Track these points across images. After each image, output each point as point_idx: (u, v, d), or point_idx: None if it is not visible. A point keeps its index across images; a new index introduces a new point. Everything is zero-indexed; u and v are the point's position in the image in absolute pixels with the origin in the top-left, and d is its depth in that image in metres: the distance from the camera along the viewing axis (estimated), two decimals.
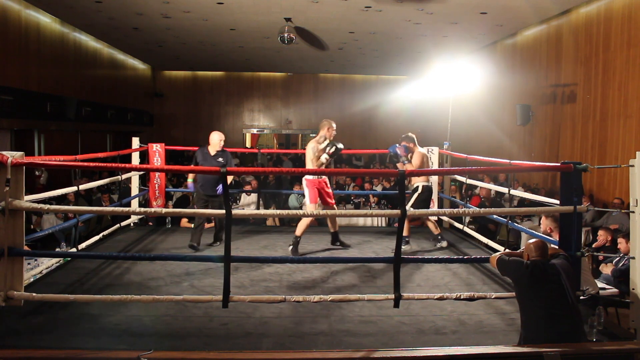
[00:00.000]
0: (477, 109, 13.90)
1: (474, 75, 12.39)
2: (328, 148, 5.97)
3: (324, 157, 5.95)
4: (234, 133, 20.46)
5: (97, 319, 3.96)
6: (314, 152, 6.00)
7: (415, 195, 6.21)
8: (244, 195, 9.67)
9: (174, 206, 9.33)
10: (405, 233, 6.24)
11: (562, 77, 10.54)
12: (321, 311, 4.21)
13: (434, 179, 7.71)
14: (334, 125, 6.18)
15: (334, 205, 6.41)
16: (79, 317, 3.99)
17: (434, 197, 7.67)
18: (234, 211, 3.70)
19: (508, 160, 5.92)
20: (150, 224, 7.96)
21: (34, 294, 3.58)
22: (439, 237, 6.47)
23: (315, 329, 3.90)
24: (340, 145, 6.07)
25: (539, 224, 8.14)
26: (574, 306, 3.12)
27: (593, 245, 6.37)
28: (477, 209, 7.41)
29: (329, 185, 6.30)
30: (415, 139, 6.44)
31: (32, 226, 8.33)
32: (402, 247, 6.06)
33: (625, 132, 8.62)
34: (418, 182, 6.26)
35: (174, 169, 4.41)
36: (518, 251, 3.56)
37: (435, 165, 7.66)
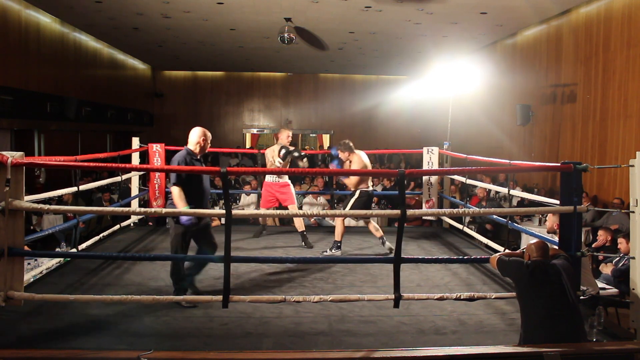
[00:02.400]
0: (477, 109, 13.90)
1: (474, 75, 12.38)
2: (280, 152, 6.37)
3: (278, 161, 6.34)
4: (234, 133, 20.45)
5: (97, 319, 3.96)
6: (270, 155, 6.47)
7: (352, 199, 6.15)
8: (243, 195, 9.68)
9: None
10: (337, 238, 6.16)
11: (562, 77, 10.53)
12: (321, 311, 4.21)
13: (434, 180, 7.72)
14: (288, 133, 6.56)
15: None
16: (79, 317, 3.99)
17: (434, 196, 7.68)
18: (234, 211, 3.70)
19: (508, 161, 5.91)
20: (150, 224, 7.96)
21: (34, 294, 3.58)
22: (382, 240, 6.27)
23: (315, 329, 3.90)
24: (291, 148, 6.40)
25: (539, 224, 8.18)
26: (575, 306, 3.13)
27: (593, 245, 6.37)
28: (477, 209, 7.41)
29: (284, 189, 6.60)
30: (351, 146, 6.28)
31: (32, 227, 8.33)
32: (332, 251, 6.11)
33: (625, 132, 8.62)
34: (357, 185, 6.18)
35: (174, 169, 4.38)
36: (518, 251, 3.56)
37: (435, 166, 7.66)
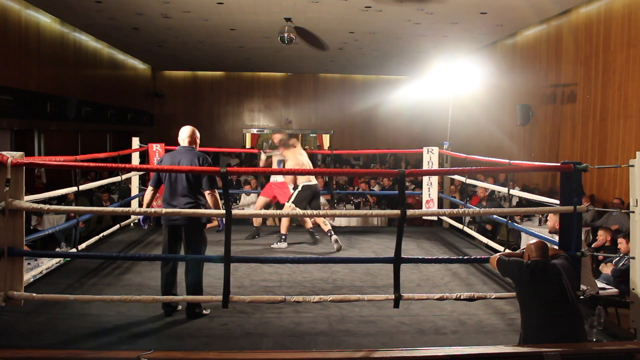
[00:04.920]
0: (477, 109, 13.89)
1: (474, 75, 12.37)
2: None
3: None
4: (234, 133, 20.45)
5: (97, 319, 3.96)
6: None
7: (295, 193, 6.39)
8: (244, 195, 9.68)
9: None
10: (283, 231, 6.41)
11: (562, 77, 10.53)
12: (321, 311, 4.21)
13: (434, 180, 7.71)
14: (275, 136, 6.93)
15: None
16: (79, 317, 3.99)
17: (433, 196, 7.68)
18: (234, 211, 3.70)
19: (508, 160, 5.91)
20: (151, 224, 7.96)
21: (34, 294, 3.58)
22: (330, 234, 6.38)
23: (315, 329, 3.90)
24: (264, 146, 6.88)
25: (539, 224, 8.18)
26: (574, 306, 3.12)
27: (593, 245, 6.37)
28: (477, 209, 7.41)
29: (283, 188, 6.91)
30: (289, 142, 6.62)
31: (32, 227, 8.33)
32: (278, 244, 6.29)
33: (625, 132, 8.62)
34: (299, 181, 6.44)
35: (174, 169, 4.37)
36: (518, 251, 3.56)
37: (435, 166, 7.65)
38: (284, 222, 6.45)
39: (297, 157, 6.50)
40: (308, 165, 6.58)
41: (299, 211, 6.10)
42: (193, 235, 4.14)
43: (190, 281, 4.11)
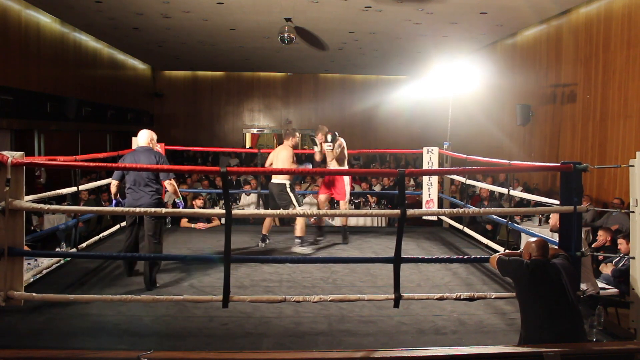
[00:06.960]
0: (477, 109, 13.89)
1: (474, 75, 12.36)
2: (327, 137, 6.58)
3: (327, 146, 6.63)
4: (234, 133, 20.45)
5: (97, 319, 3.97)
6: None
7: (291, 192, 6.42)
8: (243, 195, 9.68)
9: (173, 206, 9.32)
10: (264, 231, 6.46)
11: (562, 77, 10.53)
12: (321, 311, 4.21)
13: (434, 180, 7.70)
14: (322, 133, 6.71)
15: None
16: (79, 317, 4.00)
17: (433, 196, 7.68)
18: (234, 211, 3.70)
19: (508, 161, 5.91)
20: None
21: (34, 294, 3.58)
22: (300, 240, 6.26)
23: (315, 329, 3.90)
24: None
25: (540, 224, 8.18)
26: (574, 306, 3.12)
27: (592, 245, 6.37)
28: (477, 209, 7.40)
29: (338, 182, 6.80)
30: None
31: (32, 227, 8.32)
32: (262, 243, 6.35)
33: (625, 132, 8.62)
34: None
35: (174, 169, 4.39)
36: (518, 251, 3.56)
37: (435, 166, 7.65)
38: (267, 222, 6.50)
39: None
40: (274, 163, 6.30)
41: (299, 210, 6.08)
42: (156, 218, 4.78)
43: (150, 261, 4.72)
